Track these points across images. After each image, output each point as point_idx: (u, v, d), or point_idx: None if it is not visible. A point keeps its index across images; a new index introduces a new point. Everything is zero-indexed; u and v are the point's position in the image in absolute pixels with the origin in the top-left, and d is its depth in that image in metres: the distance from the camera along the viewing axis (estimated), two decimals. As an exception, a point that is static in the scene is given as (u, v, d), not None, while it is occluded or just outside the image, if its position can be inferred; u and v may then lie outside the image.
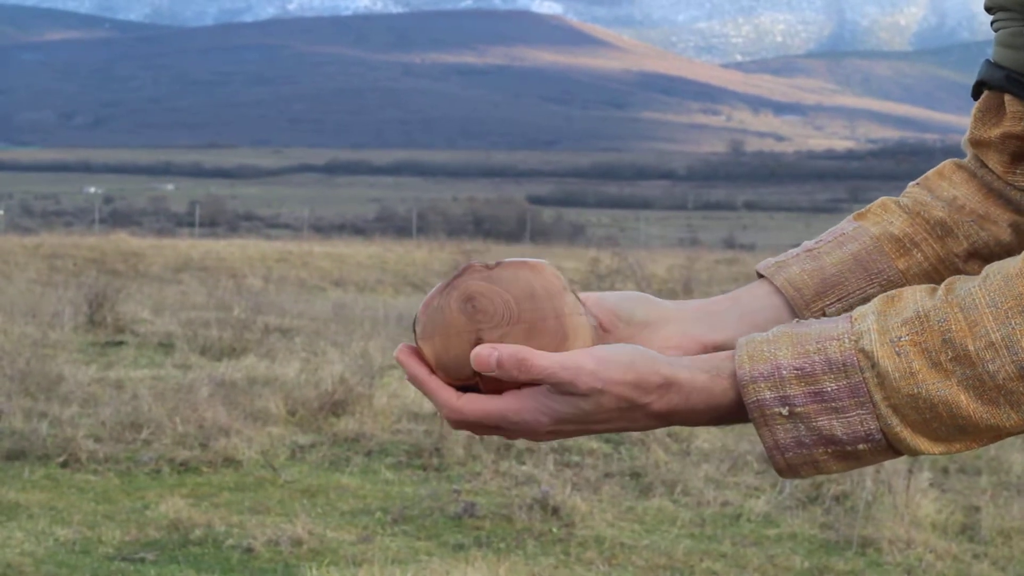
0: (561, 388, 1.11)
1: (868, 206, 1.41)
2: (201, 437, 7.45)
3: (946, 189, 1.39)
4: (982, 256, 1.35)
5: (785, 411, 1.09)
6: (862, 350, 1.07)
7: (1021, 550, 6.00)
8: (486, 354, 1.12)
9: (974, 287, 1.07)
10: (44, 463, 7.03)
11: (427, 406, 8.17)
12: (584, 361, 1.11)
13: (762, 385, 1.09)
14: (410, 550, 5.76)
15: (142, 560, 5.52)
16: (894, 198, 1.41)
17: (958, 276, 1.11)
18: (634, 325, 1.28)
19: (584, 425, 1.13)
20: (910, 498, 6.31)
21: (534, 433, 1.15)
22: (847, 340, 1.08)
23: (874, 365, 1.07)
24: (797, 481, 6.78)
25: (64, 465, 7.00)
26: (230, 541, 5.76)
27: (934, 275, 1.34)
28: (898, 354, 1.06)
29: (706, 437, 7.71)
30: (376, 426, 7.91)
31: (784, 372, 1.09)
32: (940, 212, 1.36)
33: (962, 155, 1.45)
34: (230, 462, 7.15)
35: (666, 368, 1.12)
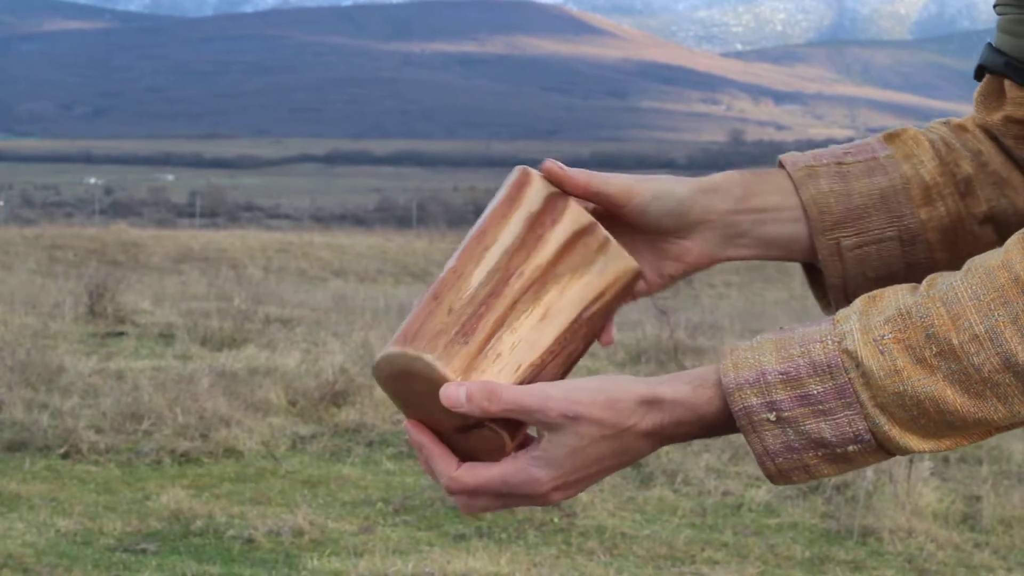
0: (533, 418, 1.10)
1: (898, 131, 1.38)
2: (202, 428, 7.45)
3: (971, 141, 1.37)
4: (998, 221, 1.33)
5: (772, 416, 1.08)
6: (846, 350, 1.06)
7: (1022, 539, 6.01)
8: (453, 391, 1.09)
9: (956, 281, 1.06)
10: (45, 454, 7.03)
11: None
12: (550, 390, 1.10)
13: (748, 392, 1.08)
14: (411, 540, 5.76)
15: (143, 551, 5.52)
16: (924, 133, 1.38)
17: (940, 273, 1.10)
18: (661, 232, 1.26)
19: (584, 469, 1.12)
20: (911, 487, 6.31)
21: (537, 493, 1.13)
22: (830, 341, 1.07)
23: (858, 365, 1.06)
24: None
25: (65, 456, 7.01)
26: (231, 532, 5.76)
27: (950, 231, 1.32)
28: (882, 352, 1.05)
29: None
30: (377, 416, 7.91)
31: (769, 377, 1.08)
32: (968, 167, 1.34)
33: None
34: (231, 453, 7.15)
35: (643, 387, 1.11)
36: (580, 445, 1.10)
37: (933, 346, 1.05)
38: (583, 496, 6.30)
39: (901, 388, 1.05)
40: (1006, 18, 1.32)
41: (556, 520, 6.07)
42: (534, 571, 5.30)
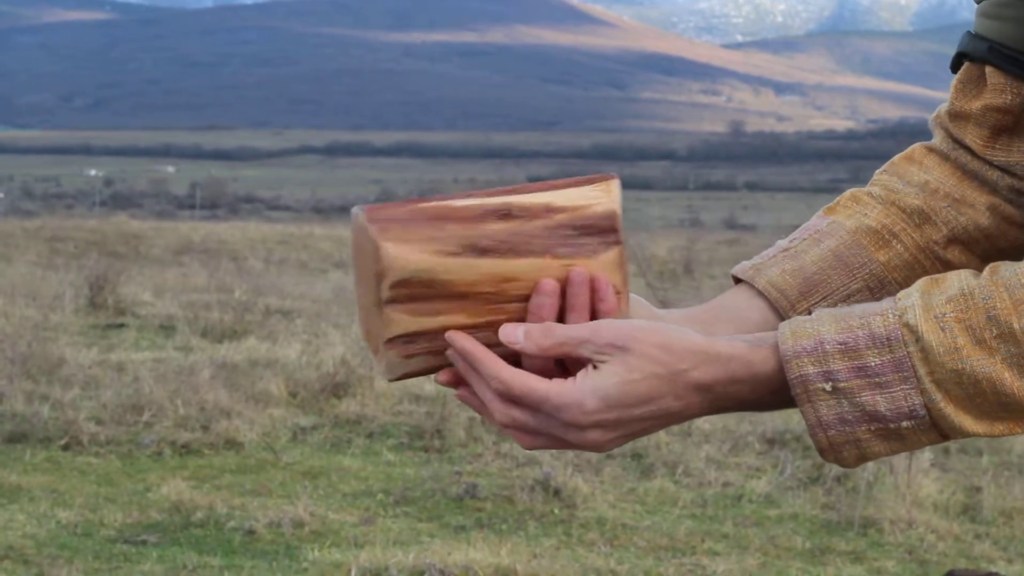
0: (584, 349, 1.09)
1: (836, 200, 1.39)
2: (202, 419, 7.45)
3: (915, 174, 1.37)
4: (962, 241, 1.34)
5: (828, 387, 1.08)
6: (907, 324, 1.07)
7: (1022, 530, 6.01)
8: (511, 329, 1.11)
9: (1019, 268, 1.07)
10: (45, 446, 7.03)
11: (429, 388, 8.17)
12: (603, 323, 1.11)
13: (805, 360, 1.08)
14: (412, 532, 5.76)
15: (144, 542, 5.52)
16: (863, 189, 1.39)
17: (1003, 261, 1.11)
18: None
19: (630, 408, 1.10)
20: (911, 478, 6.31)
21: (578, 422, 1.10)
22: (891, 315, 1.08)
23: (918, 339, 1.06)
24: (799, 462, 6.78)
25: (66, 448, 7.01)
26: (232, 523, 5.76)
27: (915, 265, 1.33)
28: (943, 329, 1.06)
29: (707, 418, 7.71)
30: (378, 408, 7.91)
31: (827, 347, 1.08)
32: (915, 200, 1.35)
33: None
34: (231, 444, 7.15)
35: (699, 338, 1.11)
36: (631, 378, 1.09)
37: (993, 328, 1.05)
38: (584, 487, 6.30)
39: (960, 366, 1.05)
40: (988, 2, 1.33)
41: (556, 511, 6.07)
42: (535, 562, 5.30)
